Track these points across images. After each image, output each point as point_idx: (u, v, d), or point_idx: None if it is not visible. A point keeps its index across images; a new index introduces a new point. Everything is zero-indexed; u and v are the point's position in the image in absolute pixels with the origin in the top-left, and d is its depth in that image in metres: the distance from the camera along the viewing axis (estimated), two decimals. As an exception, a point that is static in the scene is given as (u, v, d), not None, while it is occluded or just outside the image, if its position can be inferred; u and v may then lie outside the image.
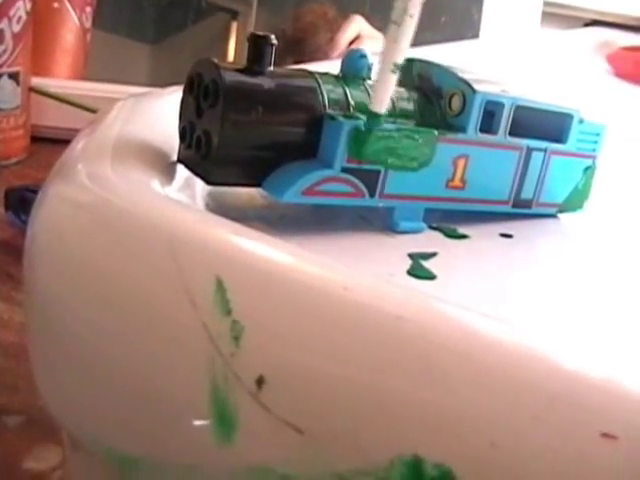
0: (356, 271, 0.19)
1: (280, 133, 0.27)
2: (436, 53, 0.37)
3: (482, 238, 0.31)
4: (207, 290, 0.19)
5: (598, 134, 0.34)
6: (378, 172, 0.27)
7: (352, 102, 0.28)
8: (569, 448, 0.16)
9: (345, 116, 0.27)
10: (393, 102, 0.29)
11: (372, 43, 0.91)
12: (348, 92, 0.28)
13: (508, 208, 0.32)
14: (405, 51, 0.26)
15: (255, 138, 0.26)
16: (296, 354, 0.18)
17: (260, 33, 0.26)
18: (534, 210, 0.33)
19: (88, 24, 0.83)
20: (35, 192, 0.58)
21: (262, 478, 0.18)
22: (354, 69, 0.29)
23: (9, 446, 0.40)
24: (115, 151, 0.28)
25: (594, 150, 0.35)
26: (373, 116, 0.27)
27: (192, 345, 0.19)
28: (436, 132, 0.28)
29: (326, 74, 0.28)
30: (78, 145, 0.30)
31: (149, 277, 0.21)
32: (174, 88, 0.38)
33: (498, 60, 0.62)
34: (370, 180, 0.27)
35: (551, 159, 0.33)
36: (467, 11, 0.76)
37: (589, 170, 0.35)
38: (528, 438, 0.15)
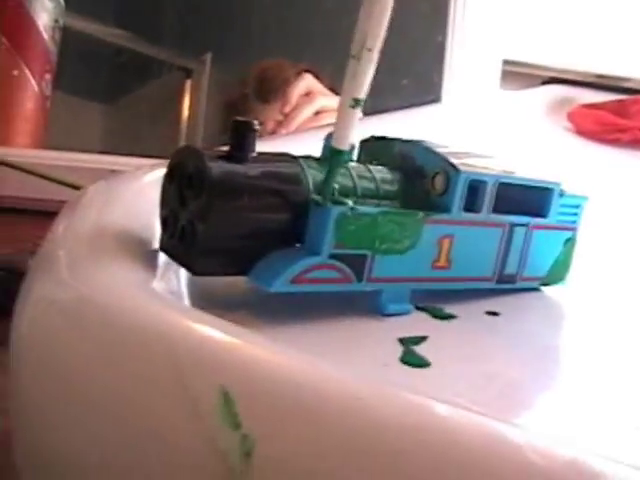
0: (369, 380, 0.18)
1: (266, 221, 0.26)
2: (399, 120, 0.37)
3: (469, 317, 0.31)
4: (213, 402, 0.18)
5: (578, 206, 0.35)
6: (365, 256, 0.27)
7: (336, 186, 0.27)
8: None
9: (331, 201, 0.26)
10: (377, 184, 0.29)
11: (323, 99, 0.92)
12: (332, 176, 0.27)
13: (493, 284, 0.32)
14: (365, 86, 0.26)
15: (241, 227, 0.25)
16: (313, 469, 0.17)
17: (242, 119, 0.26)
18: (518, 285, 0.33)
19: (48, 91, 0.82)
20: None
21: None
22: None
23: None
24: (94, 241, 0.27)
25: (574, 222, 0.35)
26: (336, 153, 0.26)
27: (199, 462, 0.18)
28: (421, 214, 0.28)
29: (309, 157, 0.28)
30: (57, 234, 0.29)
31: (148, 387, 0.20)
32: (147, 169, 0.38)
33: (461, 124, 0.62)
34: (357, 265, 0.27)
35: (533, 233, 0.32)
36: (428, 74, 0.77)
37: (569, 242, 0.35)
38: None
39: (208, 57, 1.67)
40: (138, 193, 0.33)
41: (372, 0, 0.25)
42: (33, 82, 0.79)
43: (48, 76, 0.81)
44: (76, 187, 0.63)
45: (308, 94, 0.94)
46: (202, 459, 0.18)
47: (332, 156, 0.26)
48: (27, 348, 0.24)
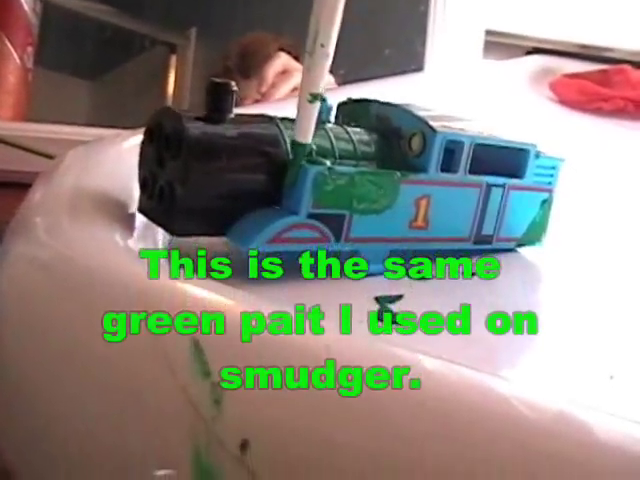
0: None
1: (244, 182, 0.26)
2: (381, 88, 0.37)
3: (445, 277, 0.31)
4: (184, 352, 0.19)
5: (554, 167, 0.35)
6: (343, 216, 0.27)
7: (314, 147, 0.27)
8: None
9: (308, 161, 0.27)
10: (354, 145, 0.29)
11: (299, 76, 0.93)
12: (309, 137, 0.28)
13: (470, 245, 0.32)
14: (321, 80, 0.26)
15: (219, 188, 0.26)
16: (281, 415, 0.18)
17: (219, 80, 0.26)
18: (495, 245, 0.33)
19: (29, 64, 0.82)
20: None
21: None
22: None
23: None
24: (72, 203, 0.28)
25: (550, 183, 0.35)
26: (298, 146, 0.27)
27: (171, 411, 0.19)
28: (398, 174, 0.28)
29: (286, 119, 0.28)
30: (34, 198, 0.30)
31: (126, 344, 0.20)
32: (126, 134, 0.38)
33: (443, 93, 0.62)
34: (335, 224, 0.27)
35: (510, 194, 0.33)
36: (411, 44, 0.77)
37: (546, 203, 0.35)
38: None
39: (193, 32, 1.66)
40: (116, 158, 0.34)
41: None
42: (15, 55, 0.78)
43: (30, 49, 0.80)
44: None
45: (284, 72, 0.94)
46: (175, 407, 0.19)
47: (294, 148, 0.27)
48: (6, 307, 0.24)
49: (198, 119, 0.26)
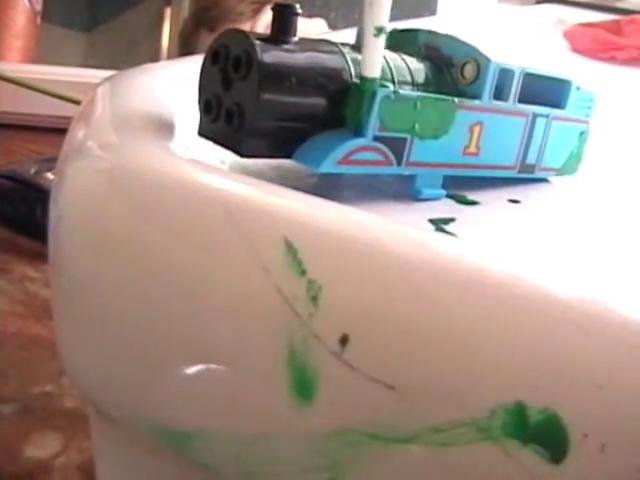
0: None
1: (311, 104, 0.27)
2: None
3: (492, 204, 0.32)
4: (277, 253, 0.19)
5: (591, 100, 0.36)
6: (405, 140, 0.28)
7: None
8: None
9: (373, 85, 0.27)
10: (411, 73, 0.29)
11: None
12: (369, 62, 0.28)
13: (514, 173, 0.33)
14: (384, 14, 0.26)
15: (288, 109, 0.26)
16: (380, 307, 0.18)
17: (285, 3, 0.26)
18: (536, 174, 0.34)
19: (39, 7, 0.81)
20: (3, 177, 0.58)
21: (347, 440, 0.18)
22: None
23: (7, 435, 0.40)
24: (119, 125, 0.28)
25: (587, 115, 0.36)
26: (367, 80, 0.27)
27: (265, 311, 0.19)
28: (456, 100, 0.29)
29: (345, 44, 0.28)
30: (79, 131, 0.30)
31: (206, 246, 0.21)
32: (164, 63, 0.38)
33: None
34: (397, 148, 0.28)
35: (552, 124, 0.34)
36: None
37: (583, 135, 0.36)
38: (633, 379, 0.16)
39: (188, -17, 1.64)
40: (157, 82, 0.34)
41: None
42: (24, -3, 0.78)
43: (39, -9, 0.80)
44: (76, 102, 0.63)
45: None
46: (269, 308, 0.19)
47: (363, 82, 0.27)
48: (69, 218, 0.24)
49: (266, 41, 0.26)
